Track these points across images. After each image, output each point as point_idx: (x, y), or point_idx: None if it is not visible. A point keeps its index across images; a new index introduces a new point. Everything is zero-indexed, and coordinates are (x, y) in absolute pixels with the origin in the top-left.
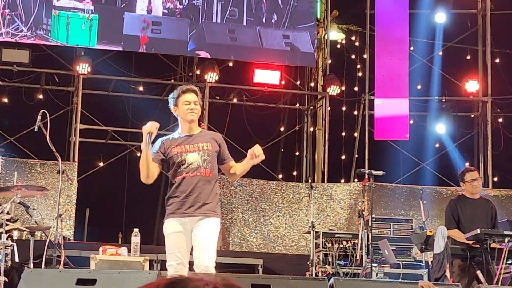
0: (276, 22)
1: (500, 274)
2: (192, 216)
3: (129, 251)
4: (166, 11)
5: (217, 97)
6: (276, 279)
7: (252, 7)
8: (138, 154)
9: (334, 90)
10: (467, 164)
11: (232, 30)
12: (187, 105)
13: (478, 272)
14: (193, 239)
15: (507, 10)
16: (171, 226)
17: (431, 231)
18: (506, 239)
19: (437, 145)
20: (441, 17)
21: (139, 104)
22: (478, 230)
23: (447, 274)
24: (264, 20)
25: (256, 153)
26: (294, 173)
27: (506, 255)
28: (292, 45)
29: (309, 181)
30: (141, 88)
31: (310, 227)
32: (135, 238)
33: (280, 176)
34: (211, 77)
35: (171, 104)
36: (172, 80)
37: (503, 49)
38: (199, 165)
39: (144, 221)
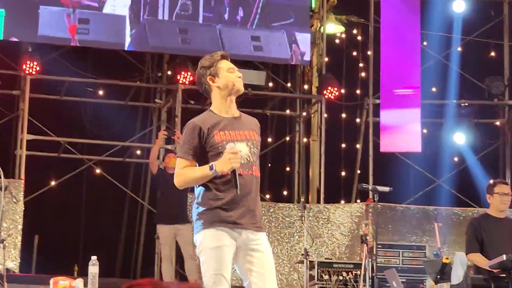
0: (242, 19)
1: None
2: (246, 229)
3: (85, 284)
4: (96, 3)
5: (192, 102)
6: None
7: (210, 0)
8: (98, 171)
9: (331, 93)
10: (491, 181)
11: (184, 30)
12: (232, 73)
13: None
14: (248, 260)
15: None
16: (219, 238)
17: (447, 258)
18: None
19: (455, 159)
20: (459, 6)
21: (99, 110)
22: (504, 257)
23: None
24: (226, 16)
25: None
26: (285, 193)
27: None
28: (263, 49)
29: (302, 201)
30: (100, 92)
31: (303, 255)
32: (93, 268)
33: (268, 196)
34: (185, 78)
35: (205, 75)
36: (138, 82)
37: None
38: (249, 160)
39: (105, 250)
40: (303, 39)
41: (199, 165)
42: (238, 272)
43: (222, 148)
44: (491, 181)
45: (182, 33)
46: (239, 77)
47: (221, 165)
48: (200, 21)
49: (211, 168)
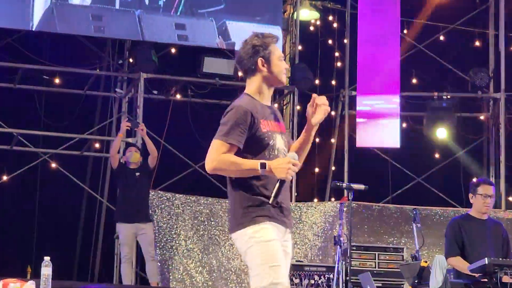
0: (165, 4)
1: None
2: (288, 228)
3: (38, 286)
4: None
5: (155, 92)
6: None
7: None
8: (53, 165)
9: (306, 83)
10: (474, 179)
11: (98, 16)
12: (282, 61)
13: None
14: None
15: None
16: (272, 232)
17: (426, 262)
18: None
19: (436, 155)
20: None
21: (55, 100)
22: (486, 260)
23: None
24: (147, 1)
25: (318, 102)
26: None
27: None
28: (188, 38)
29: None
30: (57, 80)
31: None
32: (46, 270)
33: None
34: (148, 66)
35: (256, 55)
36: (97, 70)
37: None
38: (286, 154)
39: (61, 250)
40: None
41: (244, 157)
42: None
43: (267, 139)
44: (475, 180)
45: (95, 19)
46: (286, 67)
47: (275, 168)
48: (117, 6)
49: (262, 166)
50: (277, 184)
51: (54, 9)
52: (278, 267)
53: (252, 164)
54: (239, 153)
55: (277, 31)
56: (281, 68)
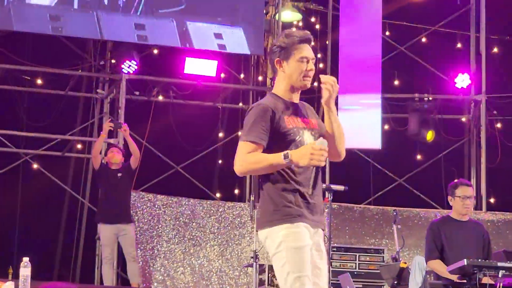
0: (125, 4)
1: None
2: (317, 228)
3: (17, 286)
4: None
5: (137, 93)
6: None
7: None
8: (35, 166)
9: None
10: (455, 179)
11: (56, 16)
12: (303, 63)
13: None
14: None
15: None
16: (304, 236)
17: (405, 263)
18: (501, 273)
19: (418, 157)
20: None
21: (36, 100)
22: (465, 261)
23: None
24: (106, 1)
25: (322, 80)
26: (236, 191)
27: None
28: (148, 39)
29: (252, 200)
30: (39, 81)
31: (252, 258)
32: (25, 270)
33: (218, 194)
34: (130, 67)
35: (276, 54)
36: (79, 71)
37: (502, 35)
38: None
39: (43, 251)
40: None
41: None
42: None
43: (293, 135)
44: (453, 182)
45: (53, 19)
46: (310, 69)
47: (298, 156)
48: (76, 6)
49: (285, 156)
50: (312, 175)
51: (11, 8)
52: (304, 278)
53: (275, 157)
54: (266, 150)
55: (238, 32)
56: (300, 70)
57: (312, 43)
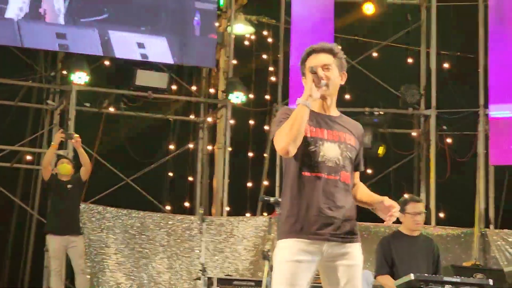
0: (46, 13)
1: None
2: (330, 241)
3: None
4: None
5: (87, 104)
6: None
7: None
8: None
9: (238, 97)
10: (405, 195)
11: None
12: (313, 74)
13: None
14: (333, 279)
15: (458, 1)
16: (291, 251)
17: None
18: (446, 287)
19: (368, 171)
20: (369, 8)
21: None
22: (412, 276)
23: None
24: (28, 9)
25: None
26: (186, 204)
27: None
28: (69, 47)
29: (200, 212)
30: None
31: (200, 271)
32: None
33: (168, 207)
34: (80, 78)
35: (301, 73)
36: (30, 81)
37: (453, 51)
38: (338, 164)
39: None
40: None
41: (286, 164)
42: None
43: (311, 146)
44: (403, 198)
45: None
46: (320, 78)
47: (305, 87)
48: None
49: (297, 102)
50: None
51: None
52: None
53: (296, 110)
54: (291, 158)
55: (161, 42)
56: (309, 81)
57: (323, 48)
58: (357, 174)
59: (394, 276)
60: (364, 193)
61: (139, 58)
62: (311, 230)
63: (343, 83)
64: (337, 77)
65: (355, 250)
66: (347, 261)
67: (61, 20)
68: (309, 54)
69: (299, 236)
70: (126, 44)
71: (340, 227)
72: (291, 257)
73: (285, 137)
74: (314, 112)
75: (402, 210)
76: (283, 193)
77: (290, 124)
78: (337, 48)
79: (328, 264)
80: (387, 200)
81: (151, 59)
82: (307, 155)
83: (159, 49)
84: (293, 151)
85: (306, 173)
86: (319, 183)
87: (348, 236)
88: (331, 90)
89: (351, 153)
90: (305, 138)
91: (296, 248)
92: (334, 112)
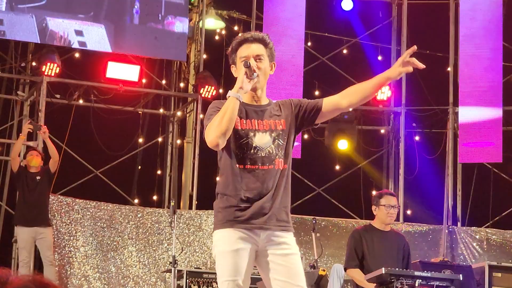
0: None
1: None
2: (264, 229)
3: None
4: None
5: (58, 96)
6: None
7: None
8: None
9: (209, 92)
10: (374, 192)
11: None
12: (246, 67)
13: None
14: (272, 269)
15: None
16: (233, 240)
17: (324, 270)
18: (417, 282)
19: (337, 167)
20: (347, 4)
21: None
22: (383, 270)
23: None
24: None
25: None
26: (154, 197)
27: None
28: (6, 34)
29: (172, 205)
30: None
31: (171, 264)
32: None
33: (136, 200)
34: (51, 69)
35: (230, 62)
36: (0, 72)
37: (423, 49)
38: (272, 153)
39: None
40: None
41: (220, 157)
42: (263, 278)
43: (241, 138)
44: (378, 192)
45: None
46: (257, 68)
47: (237, 81)
48: None
49: (228, 94)
50: (246, 68)
51: None
52: (227, 282)
53: (226, 103)
54: (225, 152)
55: (99, 29)
56: (243, 70)
57: (256, 37)
58: (329, 98)
59: (364, 269)
60: (365, 83)
61: (77, 46)
62: (247, 219)
63: (272, 73)
64: (268, 68)
65: (289, 239)
66: (283, 251)
67: (2, 7)
68: (241, 43)
69: (235, 226)
70: (64, 31)
71: (275, 216)
72: (230, 247)
73: (215, 130)
74: (244, 104)
75: (376, 203)
76: (218, 186)
77: (220, 117)
78: (268, 38)
79: (264, 254)
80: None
81: (90, 47)
82: (240, 148)
83: (97, 37)
84: (222, 144)
85: (240, 166)
86: (254, 174)
87: (282, 225)
88: (262, 81)
89: (283, 139)
90: (236, 131)
91: (234, 238)
92: (264, 101)
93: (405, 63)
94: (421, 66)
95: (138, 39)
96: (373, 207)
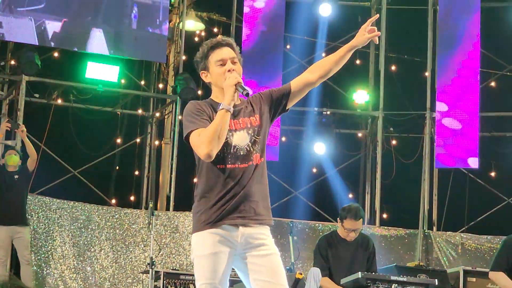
0: None
1: None
2: (243, 226)
3: None
4: None
5: (36, 95)
6: None
7: None
8: None
9: (188, 93)
10: (350, 195)
11: None
12: (221, 66)
13: None
14: (253, 271)
15: (408, 5)
16: (211, 243)
17: (301, 273)
18: (393, 286)
19: (314, 170)
20: (325, 9)
21: None
22: (360, 274)
23: None
24: None
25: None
26: (132, 198)
27: None
28: (5, 36)
29: (150, 207)
30: None
31: (148, 265)
32: None
33: (113, 201)
34: (30, 69)
35: (199, 68)
36: None
37: (401, 54)
38: (249, 151)
39: None
40: None
41: (198, 158)
42: (243, 281)
43: None
44: (345, 208)
45: None
46: (230, 70)
47: (226, 96)
48: None
49: (220, 108)
50: (238, 87)
51: None
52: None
53: (221, 117)
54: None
55: (98, 33)
56: (220, 72)
57: (227, 42)
58: (296, 78)
59: (331, 275)
60: (331, 55)
61: (76, 49)
62: (225, 218)
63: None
64: (241, 69)
65: (268, 240)
66: (262, 252)
67: (1, 10)
68: (213, 48)
69: (214, 227)
70: (62, 33)
71: (253, 210)
72: (208, 250)
73: (210, 144)
74: (218, 104)
75: (341, 220)
76: (196, 186)
77: (213, 131)
78: (234, 41)
79: (243, 257)
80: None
81: (89, 50)
82: (220, 149)
83: (96, 41)
84: (214, 154)
85: (221, 166)
86: (234, 173)
87: (260, 219)
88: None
89: (258, 134)
90: None
91: (212, 241)
92: (237, 101)
93: (369, 30)
94: (378, 33)
95: (138, 43)
96: (338, 220)
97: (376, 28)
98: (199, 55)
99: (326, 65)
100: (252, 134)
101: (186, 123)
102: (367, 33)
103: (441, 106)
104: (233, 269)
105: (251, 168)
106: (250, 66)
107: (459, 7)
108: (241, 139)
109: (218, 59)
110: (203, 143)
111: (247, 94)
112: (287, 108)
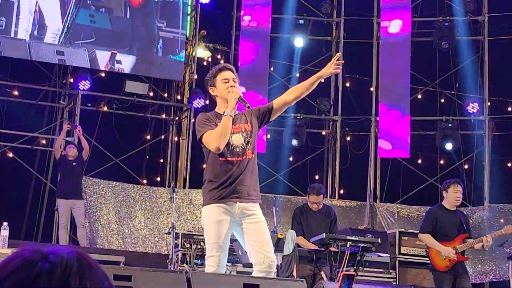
0: (50, 36)
1: (341, 274)
2: (240, 202)
3: None
4: None
5: (89, 104)
6: (137, 271)
7: (21, 19)
8: (10, 155)
9: (198, 103)
10: (317, 177)
11: None
12: (225, 83)
13: (322, 272)
14: (246, 233)
15: (357, 39)
16: (216, 213)
17: (282, 234)
18: (348, 243)
19: (290, 158)
20: (299, 42)
21: (13, 107)
22: (324, 235)
23: (294, 273)
24: (36, 33)
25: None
26: (158, 179)
27: (347, 257)
28: (66, 61)
29: (172, 185)
30: (16, 92)
31: (170, 228)
32: (4, 232)
33: (145, 181)
34: (84, 85)
35: (208, 85)
36: (47, 86)
37: (353, 74)
38: (244, 148)
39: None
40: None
41: (206, 151)
42: (239, 241)
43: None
44: (310, 187)
45: None
46: (232, 86)
47: (229, 105)
48: (12, 35)
49: (225, 114)
50: (240, 101)
51: None
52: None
53: (226, 121)
54: (206, 154)
55: (130, 58)
56: (223, 88)
57: (230, 67)
58: (278, 98)
59: (304, 235)
60: (304, 82)
61: (117, 70)
62: (227, 196)
63: None
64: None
65: (258, 211)
66: (253, 219)
67: (60, 42)
68: (220, 70)
69: (218, 202)
70: (108, 61)
71: (246, 192)
72: (214, 218)
73: (219, 140)
74: (221, 115)
75: (308, 195)
76: (205, 172)
77: (220, 131)
78: (234, 67)
79: (239, 223)
80: (329, 65)
81: (126, 71)
82: (226, 147)
83: (130, 65)
84: (222, 148)
85: (222, 159)
86: (232, 164)
87: (252, 198)
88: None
89: (250, 136)
90: None
91: (217, 212)
92: (236, 112)
93: (333, 66)
94: (340, 66)
95: (163, 66)
96: (307, 195)
97: (342, 62)
98: (209, 75)
99: (300, 89)
100: (246, 136)
101: (198, 128)
102: (331, 68)
103: (382, 112)
104: (232, 233)
105: (245, 161)
106: (245, 83)
107: (395, 41)
108: (237, 140)
109: (223, 78)
110: (214, 140)
111: (248, 107)
112: (270, 120)
